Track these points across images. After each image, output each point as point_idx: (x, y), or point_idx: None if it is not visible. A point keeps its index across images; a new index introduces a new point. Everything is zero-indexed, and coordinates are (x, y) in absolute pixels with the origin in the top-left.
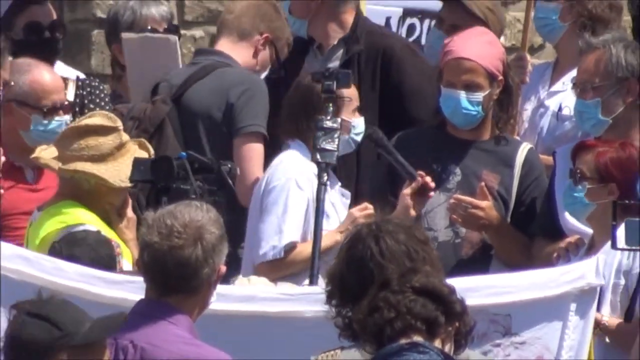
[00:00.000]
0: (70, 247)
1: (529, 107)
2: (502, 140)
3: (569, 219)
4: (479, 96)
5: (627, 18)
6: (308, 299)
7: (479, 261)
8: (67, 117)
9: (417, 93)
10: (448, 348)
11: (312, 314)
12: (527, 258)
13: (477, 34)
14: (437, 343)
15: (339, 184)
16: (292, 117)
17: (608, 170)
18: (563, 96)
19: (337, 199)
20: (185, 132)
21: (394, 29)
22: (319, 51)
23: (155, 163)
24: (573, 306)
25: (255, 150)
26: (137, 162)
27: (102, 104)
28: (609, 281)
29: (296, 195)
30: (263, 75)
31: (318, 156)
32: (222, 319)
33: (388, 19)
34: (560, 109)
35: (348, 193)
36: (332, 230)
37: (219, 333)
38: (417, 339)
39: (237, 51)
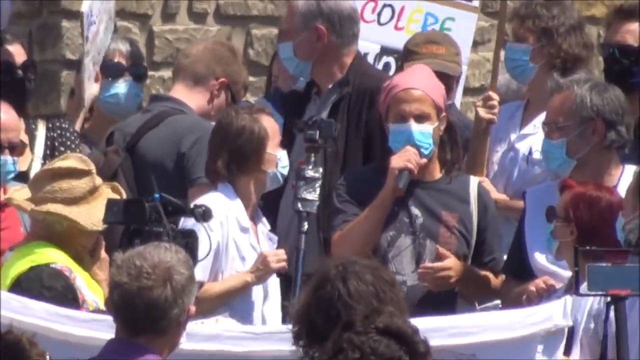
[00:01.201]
0: (28, 290)
1: (499, 149)
2: (451, 177)
3: (539, 260)
4: (430, 128)
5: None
6: (273, 338)
7: (446, 301)
8: (13, 158)
9: None
10: None
11: (278, 354)
12: (490, 294)
13: (419, 69)
14: None
15: (268, 228)
16: (215, 157)
17: (568, 210)
18: (534, 139)
19: (264, 242)
20: (139, 182)
21: None
22: (317, 96)
23: (127, 205)
24: (540, 347)
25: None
26: (110, 203)
27: (73, 146)
28: (581, 324)
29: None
30: None
31: (299, 205)
32: (189, 358)
33: (365, 55)
34: (530, 152)
35: (275, 237)
36: (242, 272)
37: None
38: None
39: (191, 96)
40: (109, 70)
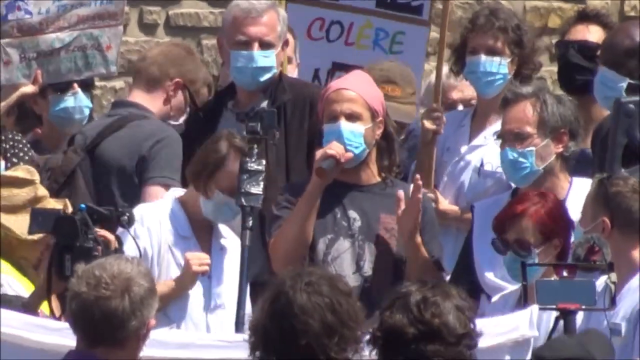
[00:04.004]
0: None
1: (448, 159)
2: (388, 182)
3: (487, 275)
4: (361, 128)
5: (547, 69)
6: (245, 346)
7: None
8: None
9: None
10: None
11: None
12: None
13: (355, 74)
14: None
15: (222, 237)
16: (187, 161)
17: (549, 227)
18: (485, 151)
19: (217, 254)
20: (98, 184)
21: (322, 80)
22: (237, 107)
23: (58, 222)
24: (507, 358)
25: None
26: (35, 213)
27: (26, 158)
28: (540, 339)
29: (130, 244)
30: (181, 119)
31: (243, 200)
32: None
33: (317, 71)
34: (482, 164)
35: (227, 247)
36: (170, 280)
37: None
38: None
39: (150, 99)
40: (56, 84)
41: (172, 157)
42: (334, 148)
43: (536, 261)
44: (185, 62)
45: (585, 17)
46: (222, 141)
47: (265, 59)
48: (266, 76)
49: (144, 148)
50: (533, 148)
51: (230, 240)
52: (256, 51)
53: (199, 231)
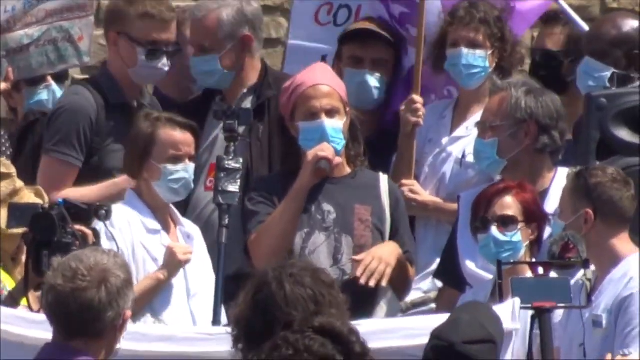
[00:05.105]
0: None
1: (429, 151)
2: (358, 173)
3: (469, 266)
4: (340, 123)
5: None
6: (228, 339)
7: (367, 296)
8: None
9: None
10: None
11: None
12: (409, 283)
13: (319, 67)
14: None
15: (184, 226)
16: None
17: (530, 208)
18: (466, 142)
19: (182, 242)
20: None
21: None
22: (224, 103)
23: (35, 218)
24: None
25: (43, 172)
26: (12, 207)
27: (8, 153)
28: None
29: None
30: (159, 62)
31: (220, 198)
32: (143, 358)
33: (324, 58)
34: (464, 155)
35: (193, 235)
36: (154, 272)
37: None
38: None
39: (112, 61)
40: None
41: (57, 128)
42: (325, 150)
43: (519, 237)
44: (115, 11)
45: (545, 19)
46: (141, 122)
47: (205, 63)
48: (209, 81)
49: (47, 118)
50: (495, 139)
51: (191, 227)
52: (194, 57)
53: (163, 221)
